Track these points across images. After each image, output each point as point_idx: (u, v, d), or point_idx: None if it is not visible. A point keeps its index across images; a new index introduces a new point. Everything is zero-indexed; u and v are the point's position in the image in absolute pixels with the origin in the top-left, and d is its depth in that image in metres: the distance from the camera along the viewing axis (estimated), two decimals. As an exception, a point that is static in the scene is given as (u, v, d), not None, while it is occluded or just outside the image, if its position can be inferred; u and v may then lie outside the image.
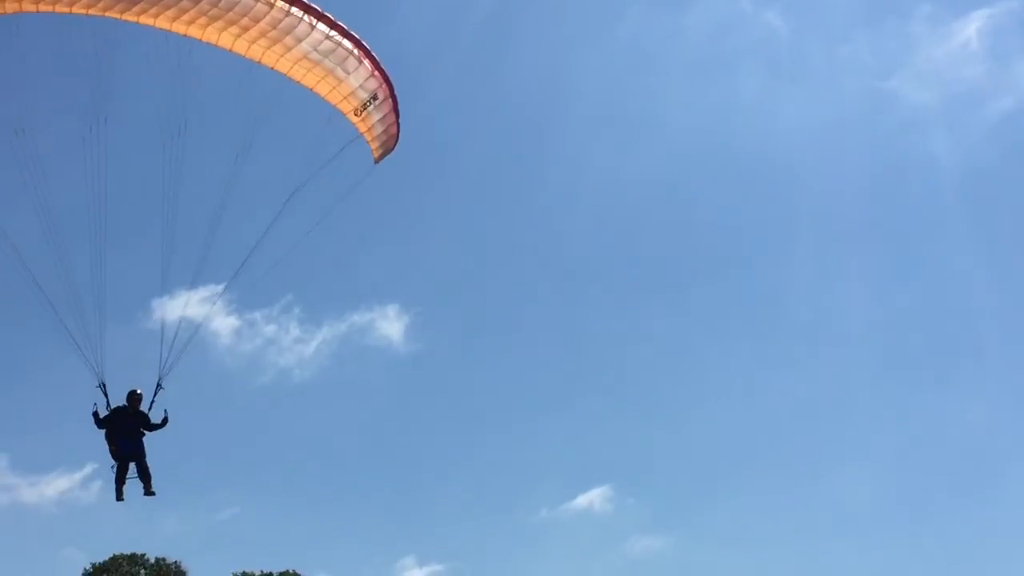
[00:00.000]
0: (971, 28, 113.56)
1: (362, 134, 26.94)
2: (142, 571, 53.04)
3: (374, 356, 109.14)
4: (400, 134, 27.63)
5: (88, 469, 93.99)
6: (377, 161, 27.71)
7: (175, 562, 54.29)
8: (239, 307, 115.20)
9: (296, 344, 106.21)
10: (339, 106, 26.33)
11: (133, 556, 53.56)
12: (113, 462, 24.86)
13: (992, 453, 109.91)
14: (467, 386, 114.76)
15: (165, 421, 25.15)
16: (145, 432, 25.04)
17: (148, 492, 24.86)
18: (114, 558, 53.45)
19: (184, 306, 26.46)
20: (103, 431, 24.76)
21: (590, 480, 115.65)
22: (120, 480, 24.85)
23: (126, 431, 24.84)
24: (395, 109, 26.99)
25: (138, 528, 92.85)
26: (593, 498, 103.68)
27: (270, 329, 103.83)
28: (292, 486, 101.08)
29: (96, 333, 24.68)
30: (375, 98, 26.44)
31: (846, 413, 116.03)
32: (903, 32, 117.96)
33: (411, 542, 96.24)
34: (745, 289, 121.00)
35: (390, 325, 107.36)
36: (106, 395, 24.69)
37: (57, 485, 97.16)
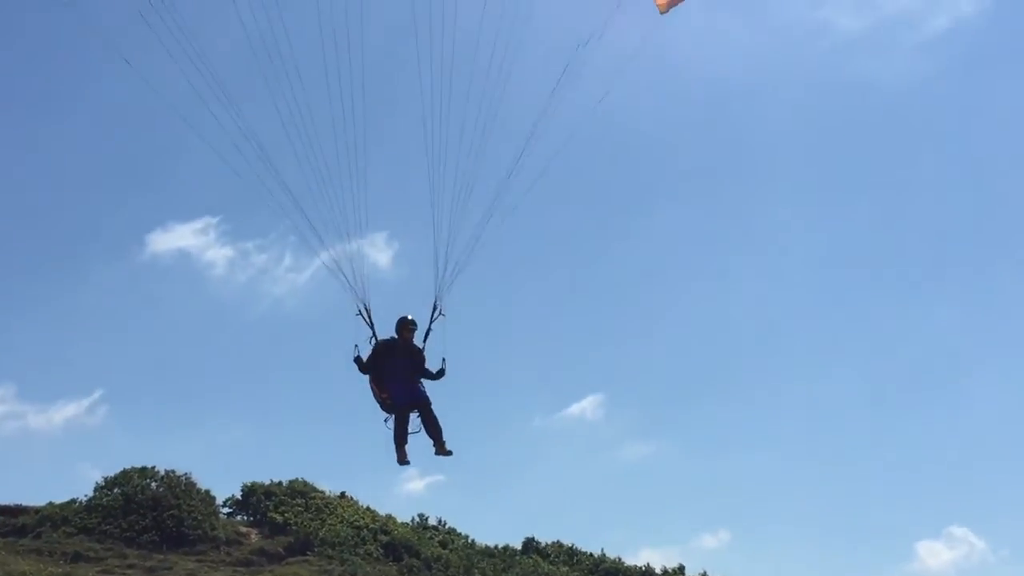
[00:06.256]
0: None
1: None
2: (153, 483, 53.79)
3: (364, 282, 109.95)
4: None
5: (96, 395, 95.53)
6: (665, 10, 20.63)
7: (185, 474, 55.09)
8: (233, 237, 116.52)
9: (288, 273, 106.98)
10: None
11: (144, 469, 54.34)
12: (385, 415, 19.42)
13: (958, 357, 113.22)
14: (456, 304, 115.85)
15: (442, 372, 19.38)
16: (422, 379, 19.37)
17: (441, 451, 19.24)
18: (125, 472, 54.22)
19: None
20: (367, 375, 19.14)
21: (583, 389, 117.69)
22: (401, 437, 19.25)
23: (399, 373, 19.11)
24: None
25: (147, 448, 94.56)
26: (586, 406, 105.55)
27: (262, 259, 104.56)
28: (293, 408, 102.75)
29: (354, 246, 19.07)
30: None
31: (819, 321, 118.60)
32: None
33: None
34: (709, 208, 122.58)
35: (379, 252, 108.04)
36: (371, 323, 18.99)
37: (64, 412, 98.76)
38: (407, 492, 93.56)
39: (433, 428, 19.13)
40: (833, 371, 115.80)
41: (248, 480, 59.15)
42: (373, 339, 18.98)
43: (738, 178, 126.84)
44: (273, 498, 57.27)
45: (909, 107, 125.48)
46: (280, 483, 59.13)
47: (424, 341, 19.28)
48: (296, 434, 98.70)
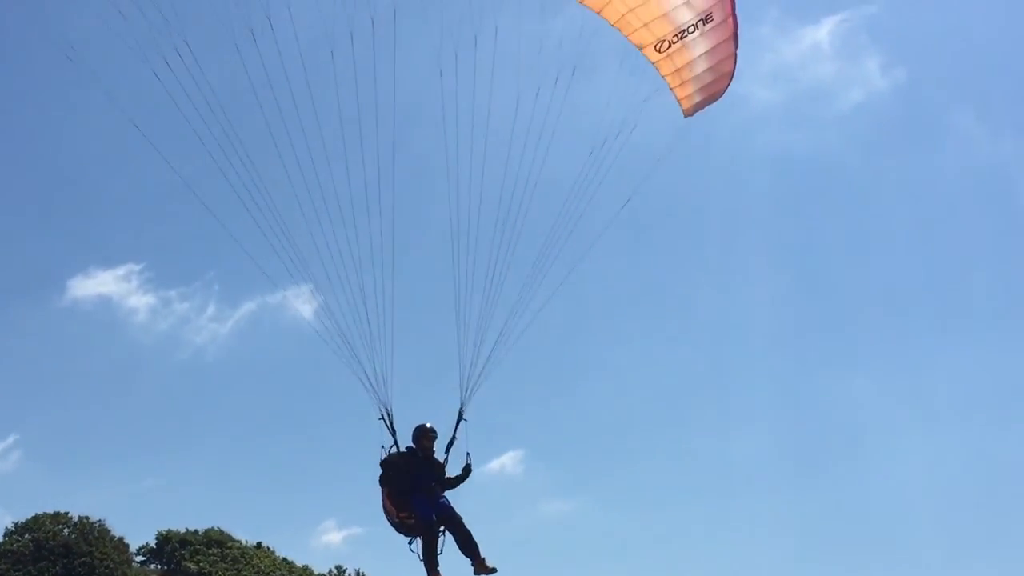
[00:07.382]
0: (822, 31, 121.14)
1: (664, 77, 18.92)
2: (65, 530, 52.86)
3: (287, 335, 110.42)
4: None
5: (10, 439, 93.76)
6: (690, 113, 19.69)
7: (98, 521, 54.27)
8: (155, 285, 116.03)
9: (211, 323, 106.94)
10: (633, 37, 18.08)
11: (56, 515, 53.49)
12: (408, 536, 17.11)
13: (868, 422, 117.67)
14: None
15: (467, 471, 17.42)
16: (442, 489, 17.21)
17: (482, 569, 16.77)
18: (36, 517, 53.28)
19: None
20: (384, 489, 17.01)
21: (503, 444, 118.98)
22: (432, 560, 16.85)
23: (421, 486, 16.94)
24: (735, 35, 18.37)
25: (60, 493, 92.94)
26: (505, 461, 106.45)
27: (184, 307, 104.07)
28: (210, 456, 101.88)
29: (380, 345, 17.22)
30: (706, 20, 17.83)
31: (736, 386, 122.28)
32: (751, 37, 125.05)
33: (331, 507, 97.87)
34: (628, 271, 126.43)
35: (303, 304, 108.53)
36: (393, 432, 17.03)
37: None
38: (325, 543, 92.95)
39: (468, 545, 16.82)
40: (748, 433, 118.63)
41: (163, 528, 58.54)
42: (394, 447, 17.00)
43: (655, 244, 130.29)
44: (188, 547, 56.72)
45: (824, 178, 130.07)
46: (196, 532, 58.60)
47: (447, 452, 17.47)
48: (213, 482, 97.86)
